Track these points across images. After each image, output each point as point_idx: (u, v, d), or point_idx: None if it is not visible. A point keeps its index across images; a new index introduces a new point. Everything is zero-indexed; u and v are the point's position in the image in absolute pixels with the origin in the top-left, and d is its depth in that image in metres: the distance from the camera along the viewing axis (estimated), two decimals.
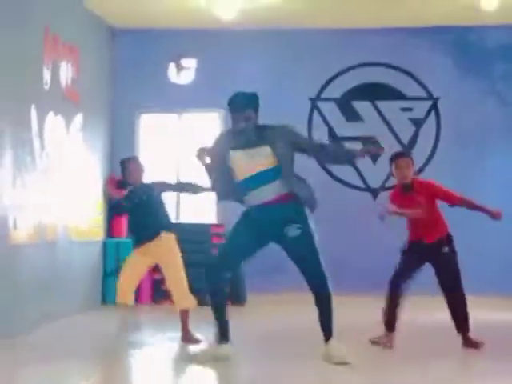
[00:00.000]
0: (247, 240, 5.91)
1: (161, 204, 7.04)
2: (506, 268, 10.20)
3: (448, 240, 6.81)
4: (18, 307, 7.14)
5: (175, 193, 10.22)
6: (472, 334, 6.76)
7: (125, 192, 7.14)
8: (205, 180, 6.27)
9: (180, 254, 6.98)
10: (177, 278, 6.87)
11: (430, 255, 6.77)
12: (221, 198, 6.12)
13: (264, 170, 5.82)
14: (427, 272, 6.85)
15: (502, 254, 10.23)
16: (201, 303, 6.99)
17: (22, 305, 7.23)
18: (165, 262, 6.93)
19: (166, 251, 6.90)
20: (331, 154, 6.05)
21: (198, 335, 6.91)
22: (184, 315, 6.87)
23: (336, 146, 6.02)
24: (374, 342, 6.77)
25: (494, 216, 6.83)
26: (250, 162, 5.85)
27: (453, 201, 6.79)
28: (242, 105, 5.88)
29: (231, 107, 5.92)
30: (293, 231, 5.80)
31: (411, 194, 6.72)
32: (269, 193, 5.82)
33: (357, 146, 9.94)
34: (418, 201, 6.70)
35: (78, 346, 6.80)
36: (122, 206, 7.12)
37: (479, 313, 7.35)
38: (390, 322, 6.79)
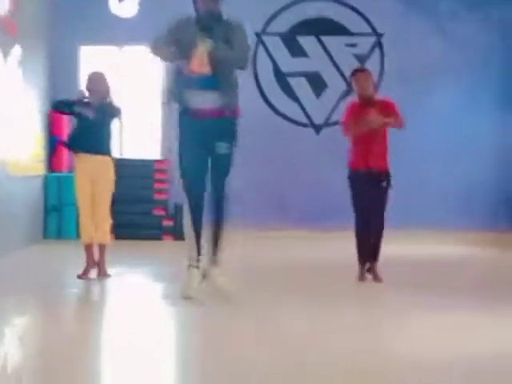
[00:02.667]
0: (197, 151, 5.93)
1: (109, 126, 7.03)
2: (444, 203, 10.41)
3: (387, 175, 6.89)
4: None
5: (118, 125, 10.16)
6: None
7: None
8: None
9: (113, 181, 7.01)
10: (105, 213, 6.94)
11: (369, 184, 6.84)
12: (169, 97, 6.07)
13: (210, 75, 5.77)
14: None
15: (440, 190, 10.41)
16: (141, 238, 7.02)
17: None
18: (99, 187, 6.91)
19: (103, 172, 6.92)
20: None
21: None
22: (104, 249, 6.91)
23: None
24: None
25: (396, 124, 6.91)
26: (201, 55, 5.75)
27: (401, 124, 6.92)
28: None
29: None
30: (222, 149, 5.95)
31: (370, 107, 6.76)
32: (208, 101, 5.83)
33: (302, 82, 10.35)
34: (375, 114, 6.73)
35: (18, 283, 6.75)
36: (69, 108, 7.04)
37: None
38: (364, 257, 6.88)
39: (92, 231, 6.87)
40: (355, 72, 7.00)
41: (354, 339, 4.94)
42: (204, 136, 5.91)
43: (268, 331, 5.13)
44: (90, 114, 6.86)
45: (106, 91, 7.01)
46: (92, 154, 6.89)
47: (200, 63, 5.78)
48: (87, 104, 6.93)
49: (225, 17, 5.94)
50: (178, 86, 5.92)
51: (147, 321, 5.53)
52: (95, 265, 6.91)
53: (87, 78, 7.09)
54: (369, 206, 6.81)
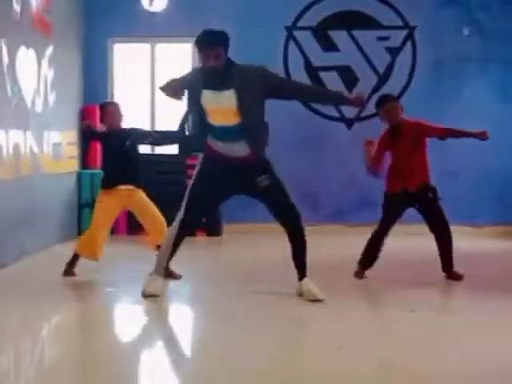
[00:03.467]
0: (215, 191, 5.97)
1: (138, 155, 6.96)
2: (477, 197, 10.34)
3: (431, 187, 6.85)
4: None
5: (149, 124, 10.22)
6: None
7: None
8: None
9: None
10: (155, 218, 6.90)
11: (415, 202, 6.80)
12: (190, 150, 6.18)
13: (231, 125, 5.78)
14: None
15: (474, 183, 10.33)
16: None
17: None
18: (138, 208, 6.94)
19: (138, 199, 6.91)
20: (319, 94, 6.24)
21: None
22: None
23: (324, 90, 6.04)
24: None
25: (482, 137, 6.80)
26: (218, 106, 5.78)
27: (442, 134, 6.80)
28: (211, 42, 5.73)
29: (200, 44, 5.75)
30: (263, 182, 5.92)
31: (400, 138, 6.72)
32: (235, 150, 5.85)
33: (333, 76, 10.30)
34: (406, 145, 6.70)
35: (54, 280, 6.85)
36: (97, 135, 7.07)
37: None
38: (369, 261, 6.88)
39: (98, 250, 6.82)
40: (383, 102, 6.78)
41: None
42: (235, 177, 5.88)
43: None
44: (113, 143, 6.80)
45: (121, 120, 6.96)
46: (125, 184, 6.86)
47: (212, 116, 5.81)
48: (109, 136, 6.87)
49: (235, 64, 5.85)
50: (202, 134, 5.90)
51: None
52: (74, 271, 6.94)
53: (102, 110, 6.97)
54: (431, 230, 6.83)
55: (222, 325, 5.38)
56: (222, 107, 5.79)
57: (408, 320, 5.54)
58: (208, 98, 5.80)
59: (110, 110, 6.92)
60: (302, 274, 6.08)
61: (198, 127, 5.91)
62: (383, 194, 6.87)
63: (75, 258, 6.93)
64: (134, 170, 6.91)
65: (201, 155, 6.07)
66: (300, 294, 6.05)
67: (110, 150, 6.89)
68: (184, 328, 5.64)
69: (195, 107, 5.86)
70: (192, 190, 6.01)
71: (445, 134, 6.83)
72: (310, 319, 5.73)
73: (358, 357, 4.60)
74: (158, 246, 6.74)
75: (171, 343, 5.20)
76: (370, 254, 6.84)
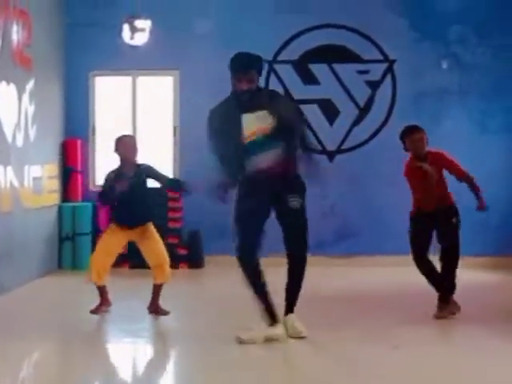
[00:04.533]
0: (257, 209, 5.86)
1: (148, 190, 6.95)
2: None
3: (456, 211, 6.95)
4: None
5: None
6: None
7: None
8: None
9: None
10: (160, 256, 6.87)
11: (438, 222, 6.85)
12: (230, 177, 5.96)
13: (267, 134, 5.77)
14: None
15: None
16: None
17: None
18: (145, 244, 6.88)
19: (148, 236, 6.86)
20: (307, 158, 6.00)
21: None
22: (158, 288, 6.87)
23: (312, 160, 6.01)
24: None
25: (481, 206, 6.95)
26: (256, 125, 5.78)
27: (460, 175, 6.93)
28: (246, 65, 5.74)
29: (234, 67, 5.75)
30: (295, 203, 5.88)
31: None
32: (270, 159, 5.77)
33: (314, 109, 10.35)
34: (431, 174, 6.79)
35: (33, 316, 6.80)
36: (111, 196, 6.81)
37: None
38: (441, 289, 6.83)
39: (102, 273, 6.80)
40: (411, 133, 6.88)
41: None
42: (270, 190, 5.82)
43: None
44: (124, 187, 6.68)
45: (136, 154, 6.89)
46: (136, 226, 6.82)
47: (250, 134, 5.80)
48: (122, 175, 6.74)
49: (264, 88, 6.07)
50: (241, 160, 5.85)
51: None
52: (108, 302, 6.91)
53: (120, 142, 6.85)
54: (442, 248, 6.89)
55: (204, 368, 5.36)
56: (259, 127, 5.79)
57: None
58: (247, 120, 5.79)
59: (125, 142, 6.84)
60: (289, 309, 5.99)
61: (235, 155, 5.82)
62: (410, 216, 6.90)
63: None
64: (143, 207, 6.85)
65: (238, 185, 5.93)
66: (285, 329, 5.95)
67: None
68: (161, 371, 5.60)
69: (235, 133, 5.78)
70: (240, 220, 5.88)
71: (465, 178, 6.96)
72: (295, 356, 5.70)
73: None
74: (159, 285, 6.76)
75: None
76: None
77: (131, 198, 6.72)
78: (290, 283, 5.98)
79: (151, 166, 6.94)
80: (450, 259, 6.84)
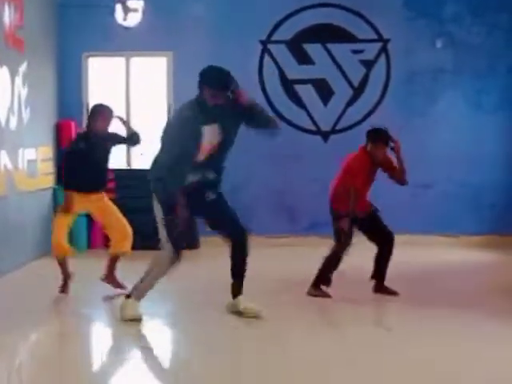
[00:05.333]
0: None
1: (108, 159, 7.13)
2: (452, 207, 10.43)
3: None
4: None
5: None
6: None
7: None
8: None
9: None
10: (122, 223, 7.07)
11: (360, 221, 7.02)
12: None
13: (214, 154, 5.95)
14: None
15: (447, 194, 10.41)
16: (145, 247, 7.21)
17: None
18: (103, 212, 7.08)
19: (105, 204, 7.07)
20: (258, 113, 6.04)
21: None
22: (116, 258, 7.10)
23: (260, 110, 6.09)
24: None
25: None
26: (210, 140, 5.91)
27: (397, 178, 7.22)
28: (226, 84, 5.87)
29: (214, 83, 5.85)
30: (211, 195, 6.08)
31: (376, 165, 7.05)
32: (198, 175, 5.97)
33: (308, 89, 10.33)
34: (375, 173, 7.07)
35: (30, 304, 6.83)
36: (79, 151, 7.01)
37: None
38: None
39: (66, 246, 7.01)
40: (378, 141, 6.96)
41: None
42: (194, 199, 5.93)
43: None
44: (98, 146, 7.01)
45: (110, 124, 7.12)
46: (93, 192, 7.04)
47: (205, 149, 5.92)
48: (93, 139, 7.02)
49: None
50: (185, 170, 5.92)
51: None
52: (70, 275, 7.04)
53: (94, 112, 7.06)
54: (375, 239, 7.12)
55: (204, 350, 5.39)
56: (211, 141, 5.92)
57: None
58: (206, 133, 5.89)
59: (101, 114, 7.00)
60: (239, 291, 6.21)
61: (184, 166, 5.87)
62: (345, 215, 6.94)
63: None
64: (101, 174, 7.11)
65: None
66: (235, 311, 6.17)
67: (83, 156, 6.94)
68: (161, 353, 5.63)
69: (192, 142, 5.85)
70: (170, 225, 5.96)
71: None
72: (287, 336, 5.74)
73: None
74: (117, 256, 6.96)
75: (150, 368, 5.19)
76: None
77: (93, 165, 6.96)
78: (234, 267, 6.18)
79: (113, 132, 7.16)
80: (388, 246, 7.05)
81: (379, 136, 7.00)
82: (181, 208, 5.81)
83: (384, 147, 7.00)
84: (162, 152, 5.93)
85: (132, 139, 7.25)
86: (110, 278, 7.12)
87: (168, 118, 6.10)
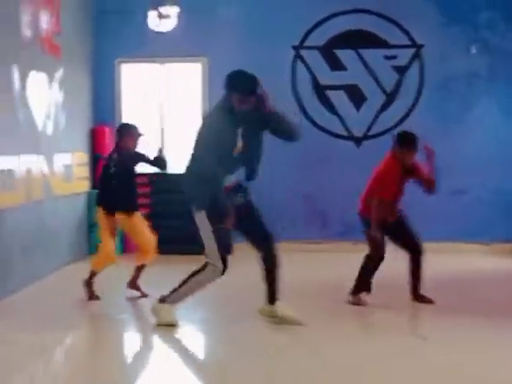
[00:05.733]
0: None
1: (135, 178, 7.29)
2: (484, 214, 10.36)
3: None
4: (4, 272, 7.15)
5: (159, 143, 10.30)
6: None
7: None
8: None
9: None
10: (147, 237, 7.20)
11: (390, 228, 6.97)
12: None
13: (240, 156, 5.95)
14: None
15: (481, 200, 10.35)
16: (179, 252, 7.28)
17: (8, 268, 7.24)
18: (133, 228, 7.21)
19: (135, 222, 7.19)
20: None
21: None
22: (141, 268, 7.23)
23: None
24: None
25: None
26: (239, 143, 5.94)
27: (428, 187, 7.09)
28: (254, 89, 5.91)
29: (242, 88, 5.89)
30: (238, 199, 6.02)
31: (408, 173, 6.94)
32: (232, 179, 5.97)
33: (341, 95, 10.33)
34: (407, 181, 6.97)
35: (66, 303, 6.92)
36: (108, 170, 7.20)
37: None
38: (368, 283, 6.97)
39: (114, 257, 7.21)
40: (408, 146, 6.86)
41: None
42: None
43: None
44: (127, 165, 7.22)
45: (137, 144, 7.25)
46: (125, 212, 7.15)
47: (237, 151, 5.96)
48: (121, 158, 7.18)
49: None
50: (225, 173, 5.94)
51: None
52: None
53: (122, 131, 7.21)
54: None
55: (236, 354, 5.42)
56: (238, 145, 5.95)
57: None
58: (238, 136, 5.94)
59: (131, 133, 7.13)
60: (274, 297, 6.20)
61: (224, 167, 5.90)
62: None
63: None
64: (133, 194, 7.26)
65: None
66: (272, 316, 6.18)
67: (113, 177, 7.10)
68: (195, 356, 5.67)
69: (230, 147, 5.89)
70: (218, 235, 5.96)
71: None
72: (321, 342, 5.75)
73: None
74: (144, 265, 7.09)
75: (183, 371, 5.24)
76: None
77: (123, 185, 7.11)
78: (267, 274, 6.17)
79: (139, 152, 7.23)
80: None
81: (407, 140, 6.91)
82: (230, 216, 5.82)
83: (413, 152, 6.87)
84: (197, 161, 5.95)
85: (158, 163, 7.26)
86: (132, 285, 7.25)
87: (201, 125, 6.06)
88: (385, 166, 6.96)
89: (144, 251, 7.17)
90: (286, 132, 6.07)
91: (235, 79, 5.97)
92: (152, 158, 7.22)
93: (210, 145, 5.86)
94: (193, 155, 6.00)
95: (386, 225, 6.90)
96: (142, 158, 7.18)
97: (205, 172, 5.85)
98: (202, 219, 5.93)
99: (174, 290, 6.15)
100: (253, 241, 6.17)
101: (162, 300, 6.19)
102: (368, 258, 6.98)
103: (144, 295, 7.18)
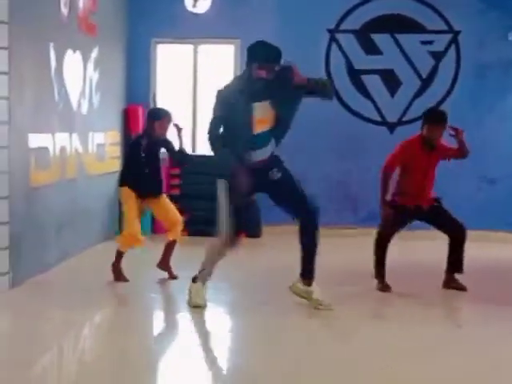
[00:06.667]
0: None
1: (159, 164, 7.28)
2: None
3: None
4: (39, 248, 7.21)
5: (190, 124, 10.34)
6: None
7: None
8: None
9: None
10: (174, 212, 7.27)
11: (425, 214, 6.91)
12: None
13: (267, 130, 5.90)
14: None
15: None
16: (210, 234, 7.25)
17: (43, 246, 7.31)
18: (161, 208, 7.28)
19: (163, 202, 7.25)
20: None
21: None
22: (171, 246, 7.24)
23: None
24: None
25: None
26: (262, 117, 5.89)
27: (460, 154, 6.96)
28: (275, 57, 5.85)
29: (262, 55, 5.82)
30: (275, 174, 5.99)
31: (432, 152, 6.83)
32: (264, 154, 5.95)
33: (375, 79, 10.24)
34: (434, 162, 6.85)
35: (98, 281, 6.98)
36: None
37: None
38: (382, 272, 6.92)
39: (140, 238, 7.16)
40: (435, 121, 6.79)
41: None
42: (256, 179, 5.86)
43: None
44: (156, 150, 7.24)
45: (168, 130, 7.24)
46: (152, 196, 7.24)
47: (260, 125, 5.90)
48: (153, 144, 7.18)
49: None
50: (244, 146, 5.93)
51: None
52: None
53: (157, 118, 7.12)
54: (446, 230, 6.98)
55: (265, 339, 5.43)
56: (264, 117, 5.90)
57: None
58: (256, 110, 5.87)
59: (165, 120, 7.10)
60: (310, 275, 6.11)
61: (240, 140, 5.89)
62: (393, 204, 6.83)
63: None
64: (160, 178, 7.27)
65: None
66: (304, 297, 6.13)
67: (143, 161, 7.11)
68: (220, 337, 5.69)
69: (245, 119, 5.87)
70: (228, 207, 5.98)
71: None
72: (350, 328, 5.74)
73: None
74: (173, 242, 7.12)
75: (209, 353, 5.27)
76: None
77: (153, 169, 7.14)
78: (303, 254, 6.09)
79: (168, 140, 7.23)
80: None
81: (436, 115, 6.88)
82: (243, 182, 5.76)
83: (441, 127, 6.76)
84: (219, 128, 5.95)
85: (178, 156, 7.25)
86: (163, 264, 7.25)
87: (217, 95, 6.02)
88: (403, 141, 6.93)
89: (172, 226, 7.21)
90: (321, 92, 5.97)
91: (255, 48, 5.93)
92: (176, 149, 7.20)
93: (226, 115, 5.85)
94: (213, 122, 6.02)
95: (421, 210, 6.82)
96: (167, 146, 7.18)
97: (210, 141, 5.92)
98: (220, 190, 6.00)
99: (200, 269, 6.21)
100: (295, 213, 6.04)
101: (194, 280, 6.23)
102: (377, 234, 6.94)
103: (173, 277, 7.20)
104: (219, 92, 6.00)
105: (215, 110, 5.96)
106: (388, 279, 6.89)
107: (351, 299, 6.55)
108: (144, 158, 7.07)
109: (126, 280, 7.04)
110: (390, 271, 6.95)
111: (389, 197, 6.88)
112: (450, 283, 6.92)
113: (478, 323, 5.89)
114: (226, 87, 6.03)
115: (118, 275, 7.05)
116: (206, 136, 6.00)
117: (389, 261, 6.93)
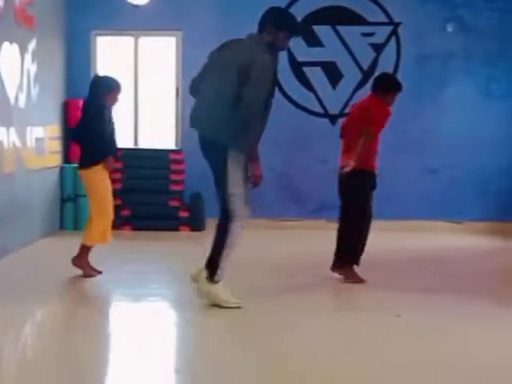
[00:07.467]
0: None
1: None
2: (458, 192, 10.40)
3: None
4: None
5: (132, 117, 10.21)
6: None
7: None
8: None
9: None
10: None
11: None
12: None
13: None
14: None
15: (454, 179, 10.39)
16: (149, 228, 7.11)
17: None
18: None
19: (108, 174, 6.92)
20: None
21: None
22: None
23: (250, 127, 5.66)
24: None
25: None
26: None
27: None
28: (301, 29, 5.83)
29: (293, 26, 5.76)
30: None
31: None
32: None
33: (317, 71, 10.27)
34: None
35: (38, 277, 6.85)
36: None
37: None
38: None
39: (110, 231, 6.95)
40: (400, 89, 6.84)
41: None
42: None
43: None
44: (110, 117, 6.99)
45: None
46: (114, 154, 6.99)
47: None
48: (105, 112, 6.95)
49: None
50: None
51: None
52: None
53: (110, 87, 6.87)
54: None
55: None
56: None
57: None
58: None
59: (117, 91, 6.88)
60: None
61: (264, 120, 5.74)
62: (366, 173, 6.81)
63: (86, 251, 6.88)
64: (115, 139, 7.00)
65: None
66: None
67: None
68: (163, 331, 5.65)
69: (272, 88, 5.68)
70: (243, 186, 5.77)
71: None
72: (294, 325, 5.75)
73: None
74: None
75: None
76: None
77: (111, 133, 6.89)
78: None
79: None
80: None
81: (399, 83, 6.86)
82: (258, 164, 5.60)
83: (395, 95, 6.79)
84: (246, 103, 5.54)
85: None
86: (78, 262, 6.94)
87: (269, 68, 5.64)
88: (375, 106, 6.77)
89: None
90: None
91: (286, 16, 5.83)
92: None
93: (262, 89, 5.52)
94: (237, 96, 5.58)
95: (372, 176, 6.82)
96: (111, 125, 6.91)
97: (253, 117, 5.55)
98: (237, 164, 5.70)
99: (217, 267, 5.79)
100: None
101: (214, 281, 5.82)
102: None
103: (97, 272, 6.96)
104: (270, 66, 5.61)
105: (267, 82, 5.57)
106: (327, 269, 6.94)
107: (299, 289, 6.56)
108: (108, 124, 6.79)
109: (99, 272, 6.84)
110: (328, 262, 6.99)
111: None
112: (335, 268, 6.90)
113: (416, 311, 5.95)
114: (268, 59, 5.63)
115: (89, 270, 6.83)
116: (255, 103, 5.53)
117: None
